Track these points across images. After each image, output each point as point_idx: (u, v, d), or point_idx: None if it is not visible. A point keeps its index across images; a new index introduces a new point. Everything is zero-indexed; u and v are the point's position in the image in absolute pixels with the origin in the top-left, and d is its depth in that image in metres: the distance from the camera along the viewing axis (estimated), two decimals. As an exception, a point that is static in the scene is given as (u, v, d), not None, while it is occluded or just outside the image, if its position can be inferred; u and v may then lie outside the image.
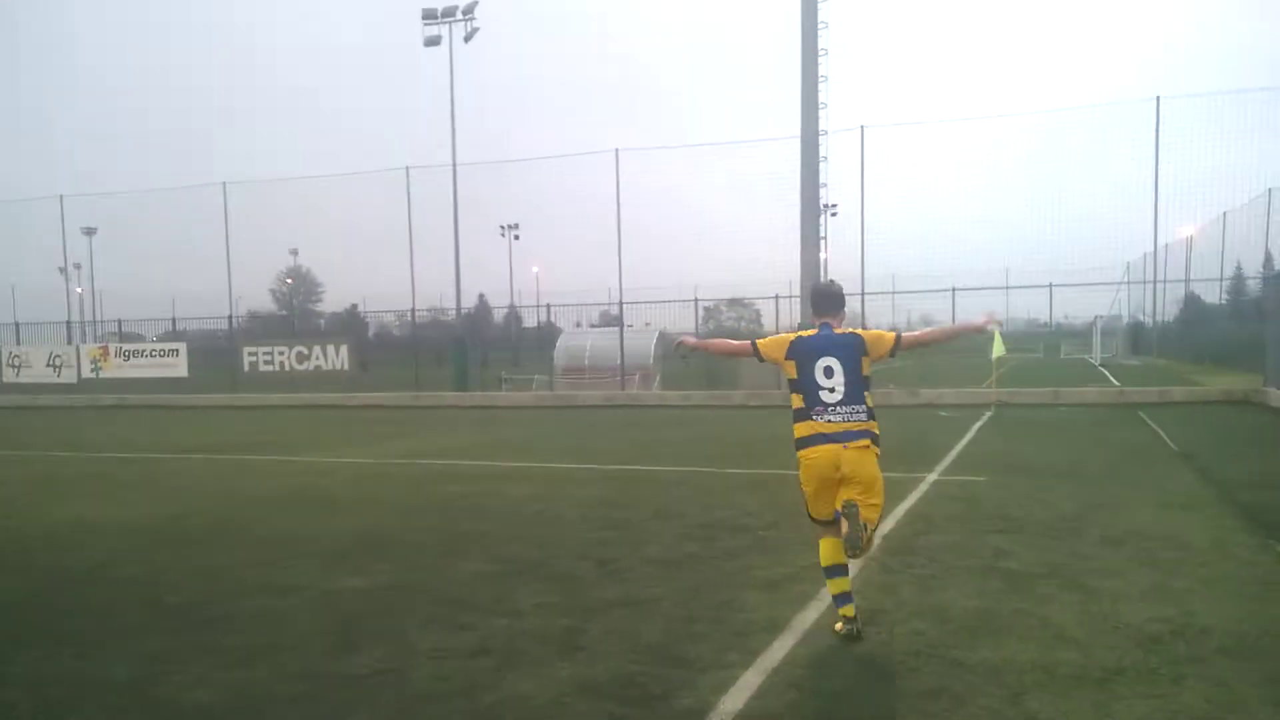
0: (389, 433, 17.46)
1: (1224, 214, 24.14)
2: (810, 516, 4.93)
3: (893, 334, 5.11)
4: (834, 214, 30.10)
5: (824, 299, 5.22)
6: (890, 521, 8.14)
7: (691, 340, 5.74)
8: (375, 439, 16.28)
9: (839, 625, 4.84)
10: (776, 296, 22.97)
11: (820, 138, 21.89)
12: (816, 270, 21.36)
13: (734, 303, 28.80)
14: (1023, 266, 23.33)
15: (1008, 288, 22.19)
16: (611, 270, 25.35)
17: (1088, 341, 44.52)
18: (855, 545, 4.52)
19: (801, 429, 4.87)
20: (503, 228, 54.61)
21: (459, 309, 26.01)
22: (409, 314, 25.90)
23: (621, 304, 25.16)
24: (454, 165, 26.48)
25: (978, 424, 16.58)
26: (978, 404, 20.29)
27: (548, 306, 26.58)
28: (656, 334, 26.03)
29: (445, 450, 14.51)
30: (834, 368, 4.91)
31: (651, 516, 8.65)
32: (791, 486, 5.84)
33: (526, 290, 54.45)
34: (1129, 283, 28.54)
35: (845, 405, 4.85)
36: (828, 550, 4.86)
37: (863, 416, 4.88)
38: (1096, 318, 37.98)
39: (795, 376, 4.97)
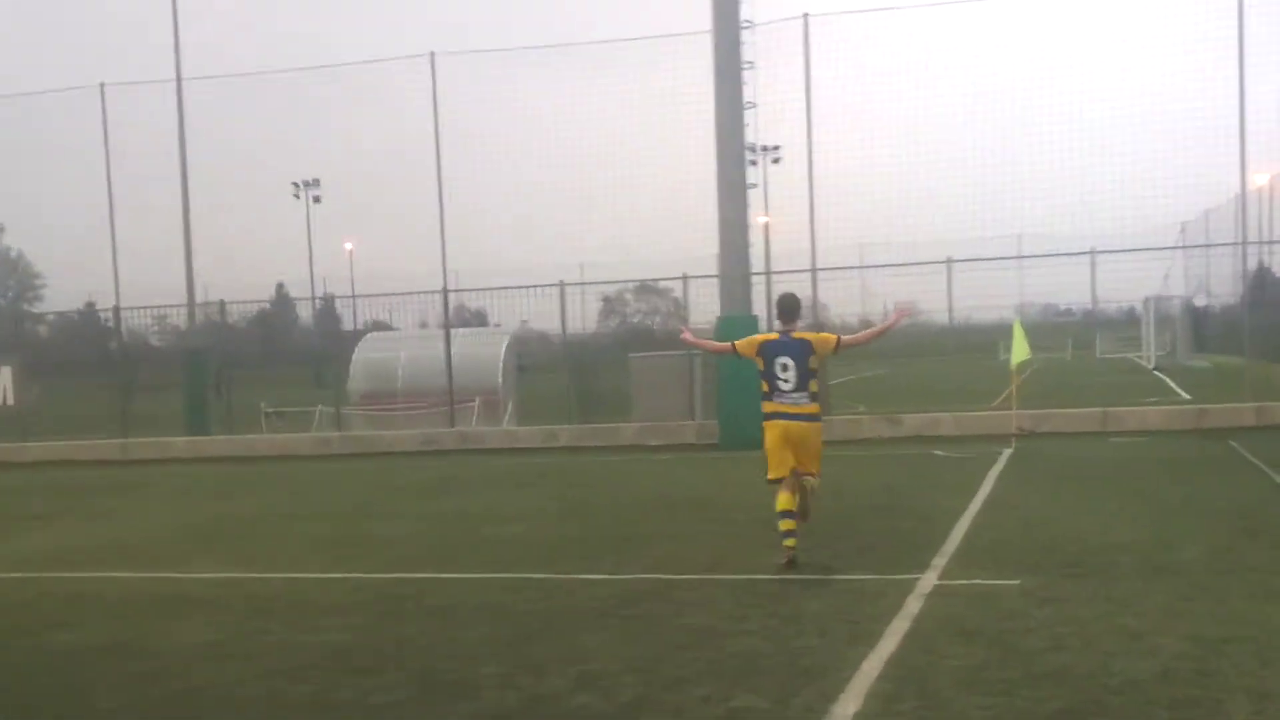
0: (28, 514, 14.71)
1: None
2: (770, 480, 9.32)
3: (835, 336, 9.71)
4: (776, 159, 29.15)
5: (784, 310, 9.60)
6: (854, 698, 5.83)
7: (690, 336, 11.35)
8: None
9: (783, 559, 9.10)
10: (685, 276, 21.14)
11: (743, 33, 19.78)
12: (740, 239, 19.54)
13: (644, 290, 28.34)
14: (1039, 231, 21.51)
15: (1020, 258, 20.66)
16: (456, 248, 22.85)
17: (1131, 334, 43.75)
18: (804, 514, 9.62)
19: (768, 407, 9.32)
20: (296, 185, 50.96)
21: (191, 306, 23.09)
22: (112, 313, 22.88)
23: (446, 292, 22.93)
24: (178, 80, 23.38)
25: (994, 470, 14.90)
26: (990, 434, 18.90)
27: (354, 299, 23.70)
28: (507, 340, 24.21)
29: (102, 546, 11.92)
30: (788, 364, 9.20)
31: (419, 693, 6.24)
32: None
33: (343, 277, 50.71)
34: (1212, 245, 26.98)
35: (795, 392, 9.21)
36: (783, 499, 9.18)
37: (806, 401, 9.28)
38: (1148, 300, 36.76)
39: (762, 369, 9.32)
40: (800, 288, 20.72)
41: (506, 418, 23.57)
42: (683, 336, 11.27)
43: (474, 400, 23.10)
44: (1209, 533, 10.15)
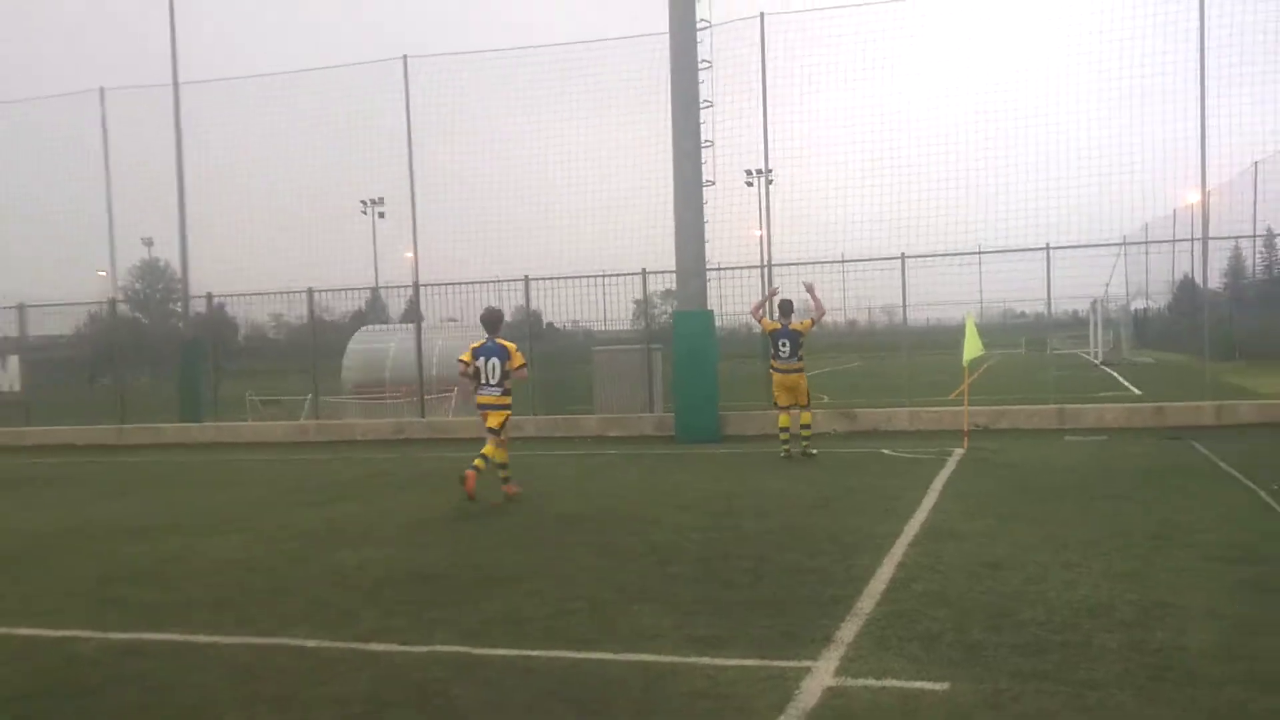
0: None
1: (1255, 164, 19.02)
2: (777, 404, 13.01)
3: (810, 321, 13.12)
4: (770, 180, 26.54)
5: (784, 311, 13.05)
6: None
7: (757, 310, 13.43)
8: None
9: (781, 452, 12.81)
10: (644, 272, 17.57)
11: (700, 32, 16.26)
12: (696, 237, 16.16)
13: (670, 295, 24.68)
14: (994, 235, 17.64)
15: (980, 253, 17.02)
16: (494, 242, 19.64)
17: (1078, 333, 40.43)
18: (806, 453, 12.80)
19: (775, 365, 12.87)
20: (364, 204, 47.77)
21: (186, 297, 19.70)
22: (104, 306, 19.68)
23: (417, 286, 19.60)
24: (175, 84, 19.93)
25: (941, 476, 11.30)
26: (944, 430, 15.46)
27: (308, 292, 20.04)
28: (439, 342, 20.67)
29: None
30: (786, 342, 12.78)
31: None
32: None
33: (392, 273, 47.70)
34: (1175, 240, 23.15)
35: (791, 358, 12.83)
36: (784, 419, 12.91)
37: (795, 361, 12.86)
38: (1095, 302, 32.94)
39: (771, 342, 12.79)
40: (753, 284, 17.39)
41: (453, 406, 20.33)
42: (753, 309, 13.59)
43: (452, 391, 19.79)
44: (1207, 591, 6.25)
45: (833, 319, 25.63)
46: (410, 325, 20.74)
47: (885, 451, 13.61)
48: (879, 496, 10.11)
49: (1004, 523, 8.48)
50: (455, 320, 20.64)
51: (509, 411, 10.46)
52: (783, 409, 13.18)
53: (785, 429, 13.14)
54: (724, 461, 13.37)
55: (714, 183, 16.70)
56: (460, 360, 10.48)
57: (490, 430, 10.36)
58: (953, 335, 14.08)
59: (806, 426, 13.24)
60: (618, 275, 17.48)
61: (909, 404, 16.64)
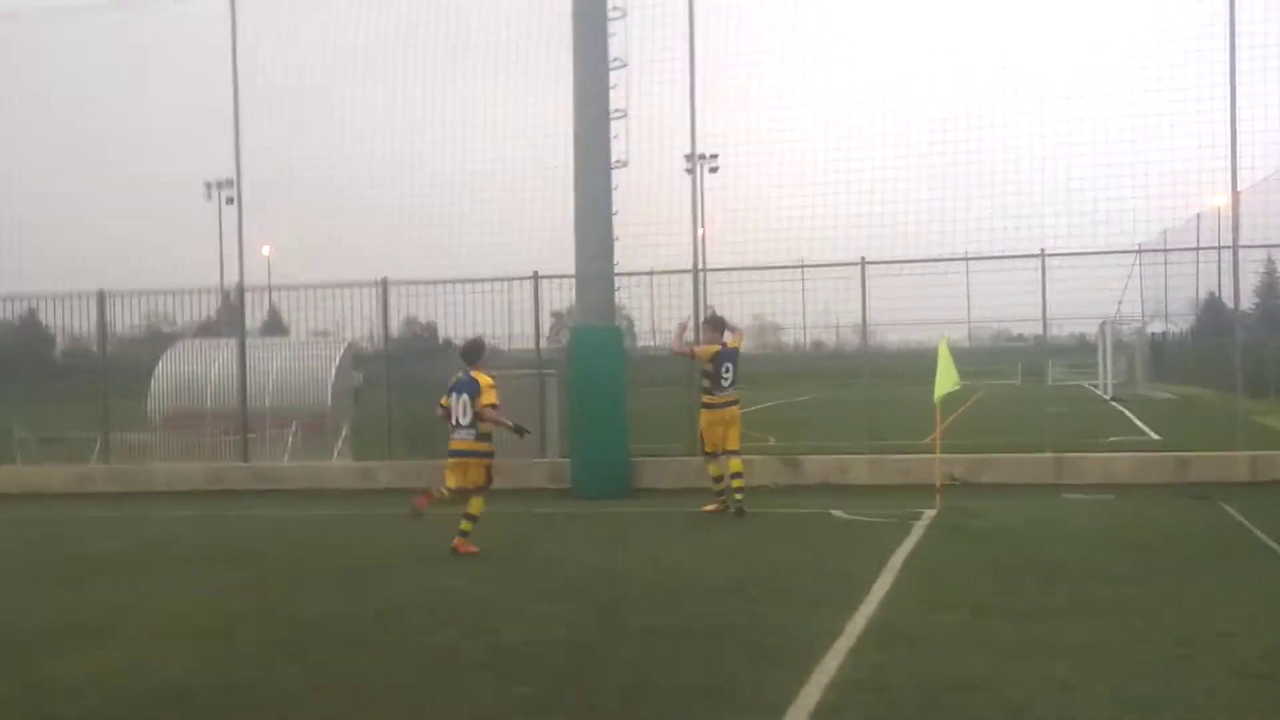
0: None
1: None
2: (705, 451, 13.01)
3: (740, 334, 13.58)
4: (714, 169, 26.02)
5: (718, 325, 13.21)
6: None
7: (679, 341, 13.75)
8: None
9: (732, 507, 12.69)
10: (536, 276, 16.89)
11: None
12: (602, 230, 15.59)
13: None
14: (984, 240, 17.00)
15: (968, 260, 16.48)
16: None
17: (1084, 361, 40.48)
18: (740, 510, 12.69)
19: (709, 399, 12.79)
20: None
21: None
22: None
23: (241, 290, 18.73)
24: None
25: (902, 549, 10.56)
26: (912, 485, 14.83)
27: (98, 296, 18.79)
28: (344, 348, 19.86)
29: None
30: (730, 366, 12.72)
31: None
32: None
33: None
34: (1200, 249, 22.84)
35: (731, 387, 12.79)
36: (715, 468, 12.92)
37: (734, 391, 12.91)
38: (1104, 324, 33.00)
39: (712, 370, 12.70)
40: (680, 294, 16.78)
41: (339, 448, 19.22)
42: (675, 344, 13.97)
43: (290, 425, 18.93)
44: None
45: (792, 338, 24.83)
46: (257, 340, 19.92)
47: (835, 513, 12.96)
48: (818, 577, 9.34)
49: (979, 618, 7.63)
50: (327, 333, 20.04)
51: (489, 460, 10.81)
52: (711, 455, 13.07)
53: (720, 478, 13.07)
54: (628, 525, 12.69)
55: (626, 163, 15.96)
56: (439, 405, 10.96)
57: (466, 491, 10.70)
58: (930, 362, 13.34)
59: (738, 476, 12.87)
60: (500, 280, 16.77)
61: (868, 450, 16.09)
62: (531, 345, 17.05)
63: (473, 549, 10.61)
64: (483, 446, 10.77)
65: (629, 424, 15.55)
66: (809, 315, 19.28)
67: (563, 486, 15.71)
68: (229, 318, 21.04)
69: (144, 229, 21.69)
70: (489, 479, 10.84)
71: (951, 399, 14.43)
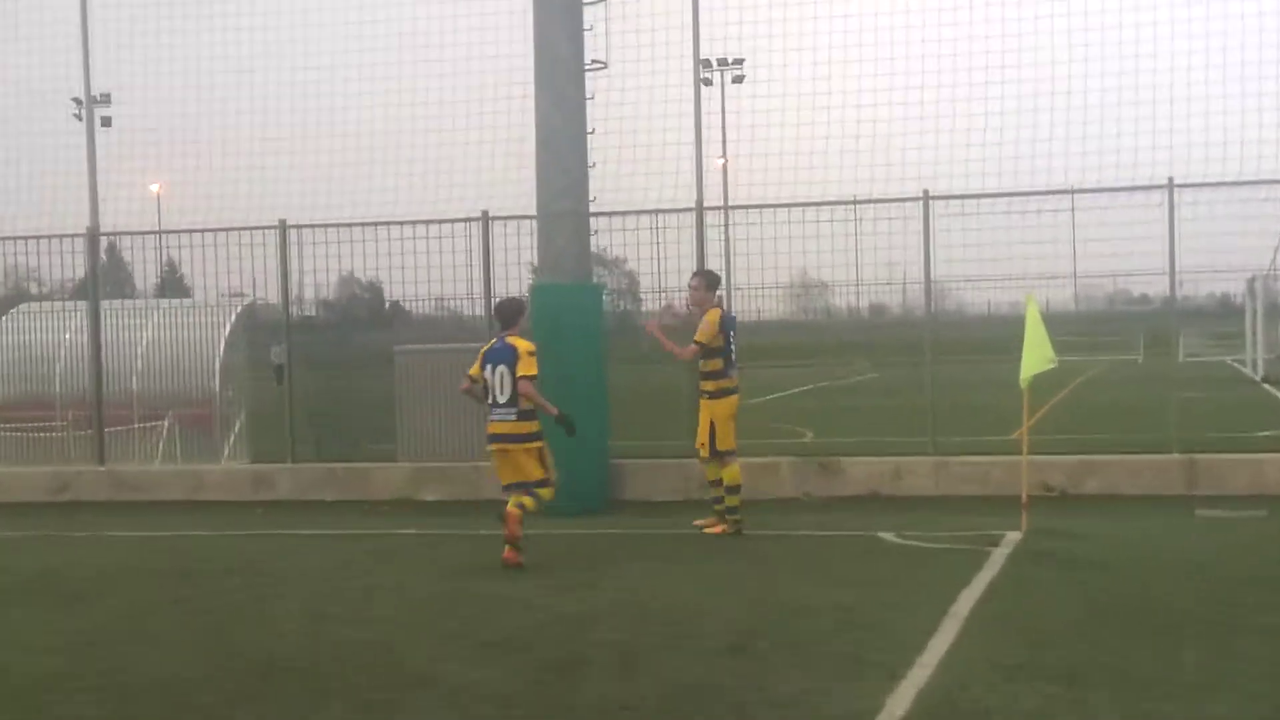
0: None
1: None
2: (715, 450, 12.72)
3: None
4: (738, 77, 29.16)
5: (714, 282, 13.19)
6: None
7: (656, 328, 13.14)
8: None
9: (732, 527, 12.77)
10: (486, 216, 16.62)
11: None
12: (574, 159, 15.51)
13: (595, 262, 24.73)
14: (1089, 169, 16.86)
15: (1073, 193, 16.02)
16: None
17: (1228, 330, 40.68)
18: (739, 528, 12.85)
19: (727, 383, 12.67)
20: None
21: None
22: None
23: (96, 235, 18.41)
24: None
25: (973, 588, 10.09)
26: (990, 497, 14.58)
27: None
28: (233, 319, 19.93)
29: None
30: (730, 335, 12.72)
31: None
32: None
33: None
34: None
35: (735, 365, 12.82)
36: (731, 472, 12.78)
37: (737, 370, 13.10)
38: (1254, 280, 33.24)
39: (722, 344, 12.53)
40: (679, 240, 16.63)
41: (230, 445, 19.34)
42: (649, 327, 13.41)
43: (166, 416, 19.04)
44: None
45: (844, 300, 24.68)
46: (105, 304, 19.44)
47: (884, 536, 12.63)
48: (853, 627, 8.79)
49: (1076, 690, 7.09)
50: (244, 296, 20.20)
51: (540, 443, 11.35)
52: (720, 455, 13.03)
53: (737, 487, 13.09)
54: (601, 552, 12.38)
55: (605, 64, 15.98)
56: (466, 376, 11.70)
57: (517, 487, 11.35)
58: (1019, 331, 12.98)
59: (730, 489, 12.96)
60: (437, 223, 16.62)
61: (933, 449, 15.86)
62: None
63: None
64: (527, 428, 11.25)
65: (610, 414, 15.36)
66: (863, 270, 18.77)
67: None
68: (115, 274, 20.80)
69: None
70: (547, 468, 11.40)
71: (1047, 381, 14.21)
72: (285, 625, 9.47)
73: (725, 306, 13.02)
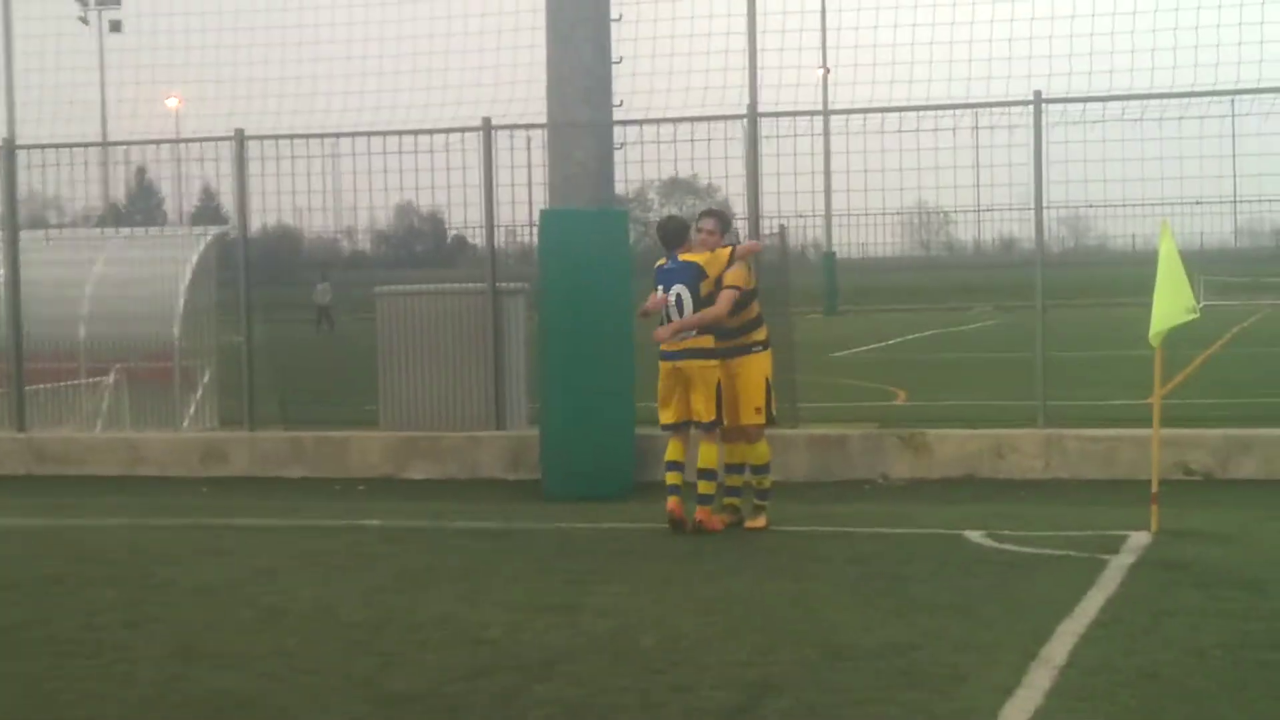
0: None
1: None
2: (771, 415, 12.16)
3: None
4: None
5: (727, 222, 12.63)
6: None
7: (669, 331, 11.85)
8: None
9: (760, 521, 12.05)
10: (488, 125, 15.93)
11: None
12: (595, 59, 15.02)
13: (674, 187, 28.49)
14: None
15: (1233, 94, 15.26)
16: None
17: None
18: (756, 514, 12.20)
19: (766, 328, 12.09)
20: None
21: None
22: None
23: (12, 144, 17.92)
24: None
25: (1076, 618, 8.90)
26: (1115, 484, 13.87)
27: None
28: (199, 250, 19.43)
29: None
30: None
31: None
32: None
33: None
34: None
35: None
36: (759, 452, 12.03)
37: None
38: None
39: (754, 285, 12.12)
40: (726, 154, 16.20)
41: (193, 408, 18.98)
42: (643, 310, 12.60)
43: (108, 375, 18.76)
44: None
45: (968, 234, 24.41)
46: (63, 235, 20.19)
47: (970, 536, 11.53)
48: (907, 680, 7.49)
49: None
50: (227, 225, 20.13)
51: (715, 364, 11.71)
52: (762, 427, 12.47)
53: (765, 466, 12.44)
54: (612, 554, 11.59)
55: None
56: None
57: (701, 426, 11.77)
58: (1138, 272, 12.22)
59: (762, 470, 12.32)
60: (428, 133, 15.97)
61: (1044, 420, 15.15)
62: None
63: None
64: (704, 343, 11.64)
65: (638, 376, 14.64)
66: (985, 194, 18.73)
67: (528, 478, 15.26)
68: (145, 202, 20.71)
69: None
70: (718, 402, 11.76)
71: (1191, 333, 13.68)
72: (132, 670, 8.08)
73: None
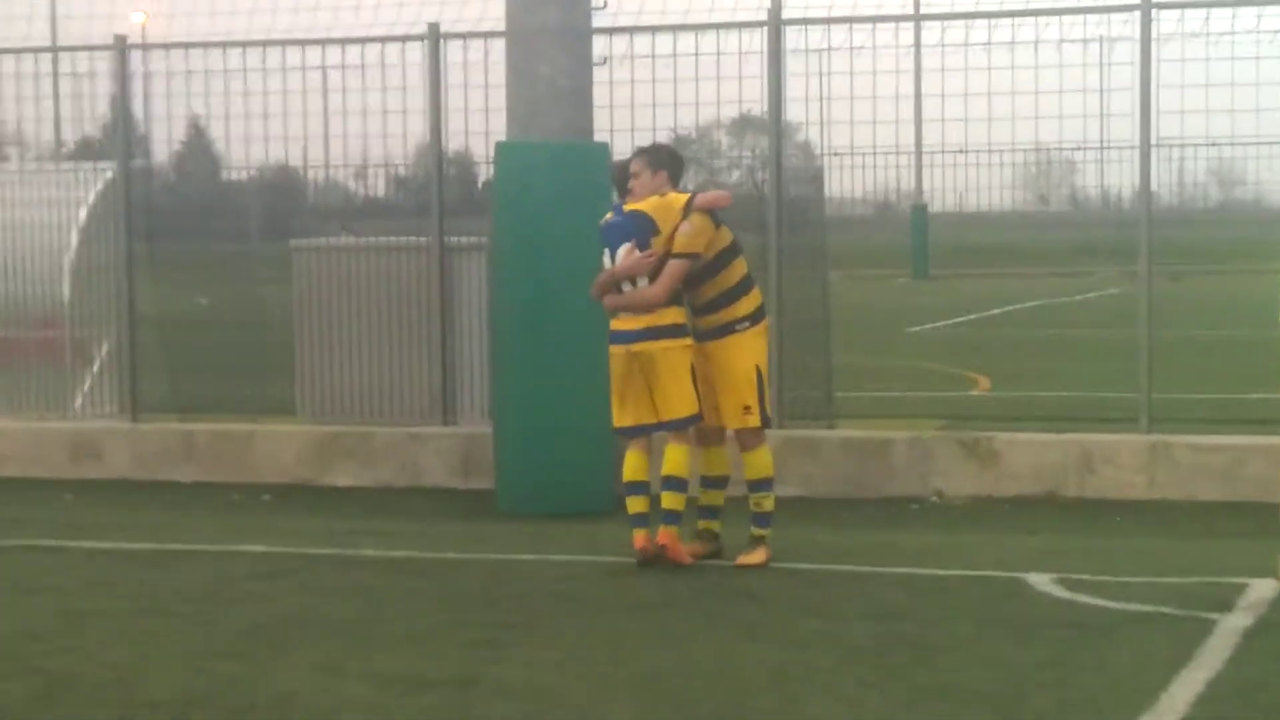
0: None
1: None
2: (768, 419, 11.27)
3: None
4: None
5: (676, 163, 11.38)
6: None
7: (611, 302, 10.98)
8: None
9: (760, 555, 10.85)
10: (437, 32, 15.35)
11: None
12: None
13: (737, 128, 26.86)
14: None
15: None
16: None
17: None
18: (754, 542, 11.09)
19: (757, 292, 10.97)
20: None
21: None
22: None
23: None
24: None
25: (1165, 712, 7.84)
26: (1236, 506, 13.19)
27: None
28: (96, 190, 18.44)
29: None
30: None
31: None
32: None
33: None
34: None
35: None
36: (761, 461, 10.91)
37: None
38: None
39: (731, 241, 10.75)
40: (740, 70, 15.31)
41: (86, 389, 17.97)
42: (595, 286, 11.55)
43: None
44: None
45: (1103, 180, 24.16)
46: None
47: (1037, 582, 10.31)
48: None
49: None
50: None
51: (687, 343, 10.84)
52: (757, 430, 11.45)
53: (766, 480, 11.40)
54: (538, 595, 10.59)
55: None
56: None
57: (642, 431, 11.05)
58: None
59: (762, 486, 11.07)
60: (359, 42, 15.19)
61: (1149, 423, 14.24)
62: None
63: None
64: (670, 318, 10.65)
65: None
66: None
67: (482, 486, 14.40)
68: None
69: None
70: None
71: None
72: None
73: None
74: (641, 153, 11.33)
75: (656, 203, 10.39)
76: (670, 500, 10.57)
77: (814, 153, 17.04)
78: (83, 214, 17.86)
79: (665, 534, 10.45)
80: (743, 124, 32.66)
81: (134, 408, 15.79)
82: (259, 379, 16.19)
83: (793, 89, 14.87)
